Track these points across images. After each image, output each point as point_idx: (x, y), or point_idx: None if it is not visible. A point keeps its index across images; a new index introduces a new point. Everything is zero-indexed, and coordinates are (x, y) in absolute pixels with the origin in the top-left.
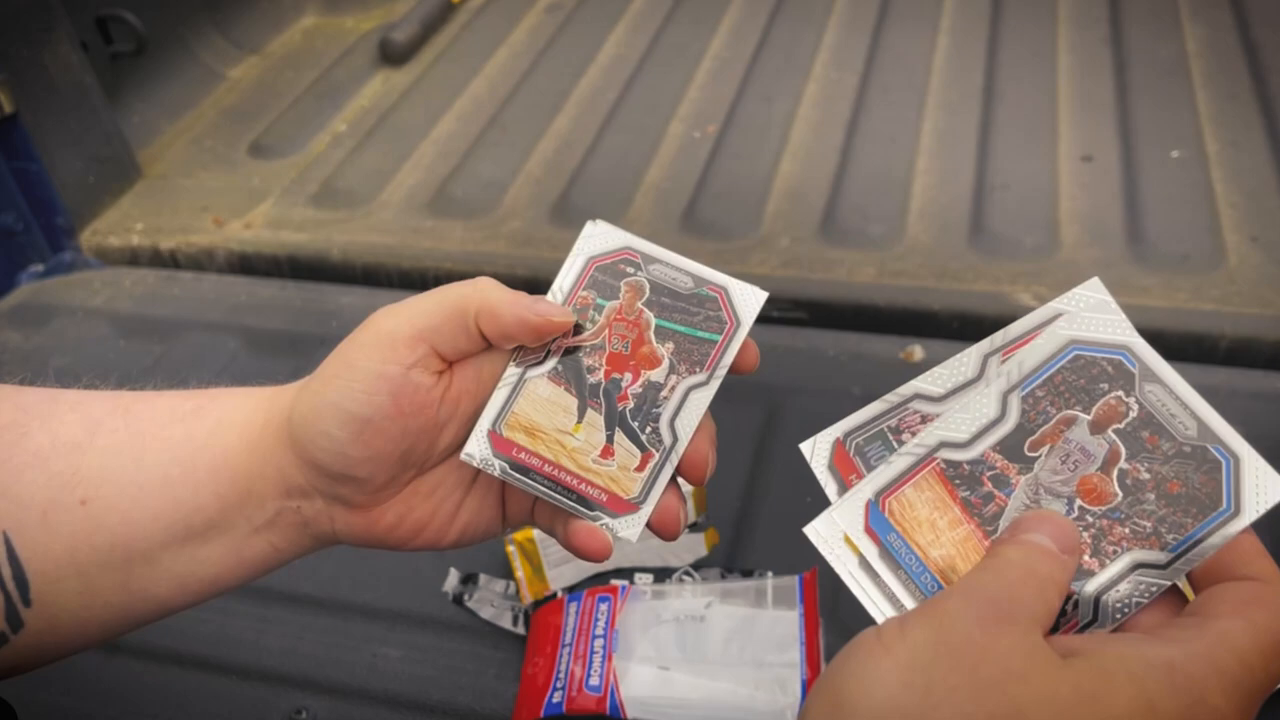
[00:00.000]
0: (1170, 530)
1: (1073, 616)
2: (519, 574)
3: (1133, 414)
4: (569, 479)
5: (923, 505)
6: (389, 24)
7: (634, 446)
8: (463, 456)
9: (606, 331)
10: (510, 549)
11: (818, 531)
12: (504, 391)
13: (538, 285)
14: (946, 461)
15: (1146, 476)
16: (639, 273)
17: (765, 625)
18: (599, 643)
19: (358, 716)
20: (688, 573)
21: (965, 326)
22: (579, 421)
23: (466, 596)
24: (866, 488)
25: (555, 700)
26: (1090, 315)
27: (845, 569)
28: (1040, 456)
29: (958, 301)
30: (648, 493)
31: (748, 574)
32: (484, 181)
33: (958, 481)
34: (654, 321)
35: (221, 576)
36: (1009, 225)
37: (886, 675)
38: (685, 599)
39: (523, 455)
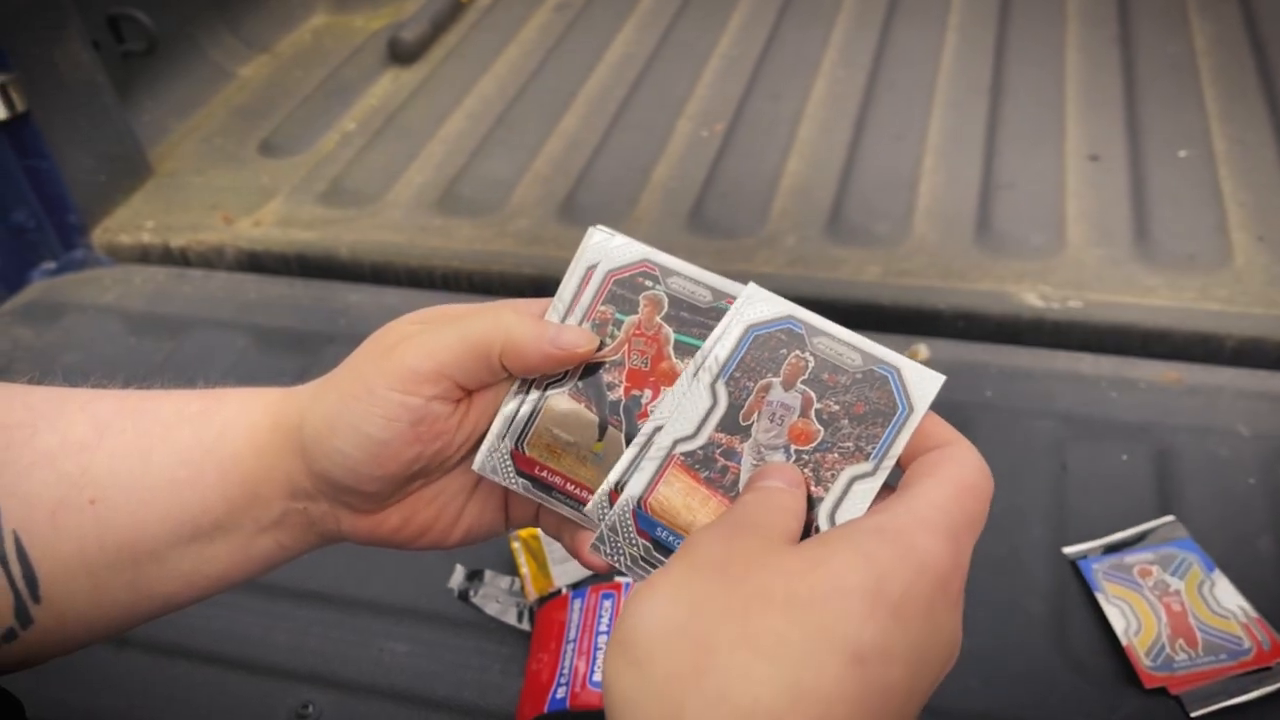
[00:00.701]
0: (868, 442)
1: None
2: (524, 570)
3: (811, 364)
4: (588, 496)
5: (675, 496)
6: (398, 23)
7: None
8: (480, 470)
9: (626, 347)
10: (515, 546)
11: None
12: (512, 405)
13: (544, 283)
14: (683, 454)
15: (837, 408)
16: (657, 286)
17: None
18: (603, 639)
19: (364, 711)
20: None
21: (971, 326)
22: (600, 439)
23: (472, 592)
24: (629, 499)
25: (559, 696)
26: (755, 304)
27: (628, 568)
28: (753, 423)
29: (963, 300)
30: None
31: None
32: (492, 180)
33: (696, 466)
34: (673, 336)
35: (228, 574)
36: (1015, 224)
37: (654, 603)
38: None
39: (544, 473)
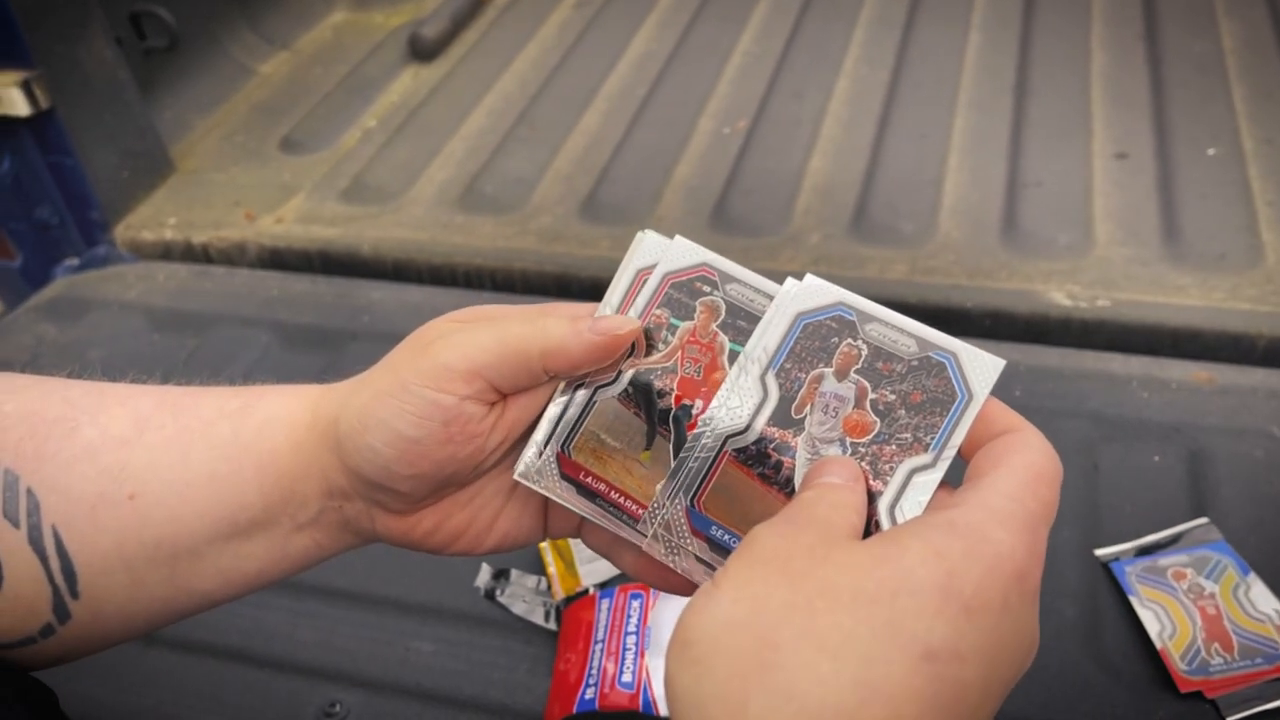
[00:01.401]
0: (926, 433)
1: (876, 533)
2: (551, 570)
3: (864, 353)
4: (633, 506)
5: (729, 492)
6: (419, 19)
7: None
8: (522, 477)
9: (679, 354)
10: (543, 545)
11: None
12: (556, 408)
13: (567, 282)
14: (735, 450)
15: (893, 397)
16: (715, 292)
17: None
18: (631, 639)
19: (391, 710)
20: None
21: (998, 325)
22: (647, 448)
23: (499, 592)
24: (681, 497)
25: (588, 696)
26: (805, 291)
27: (685, 569)
28: (806, 416)
29: (990, 300)
30: None
31: None
32: (513, 178)
33: (749, 462)
34: (728, 346)
35: (265, 571)
36: (1042, 223)
37: (717, 602)
38: None
39: (589, 479)
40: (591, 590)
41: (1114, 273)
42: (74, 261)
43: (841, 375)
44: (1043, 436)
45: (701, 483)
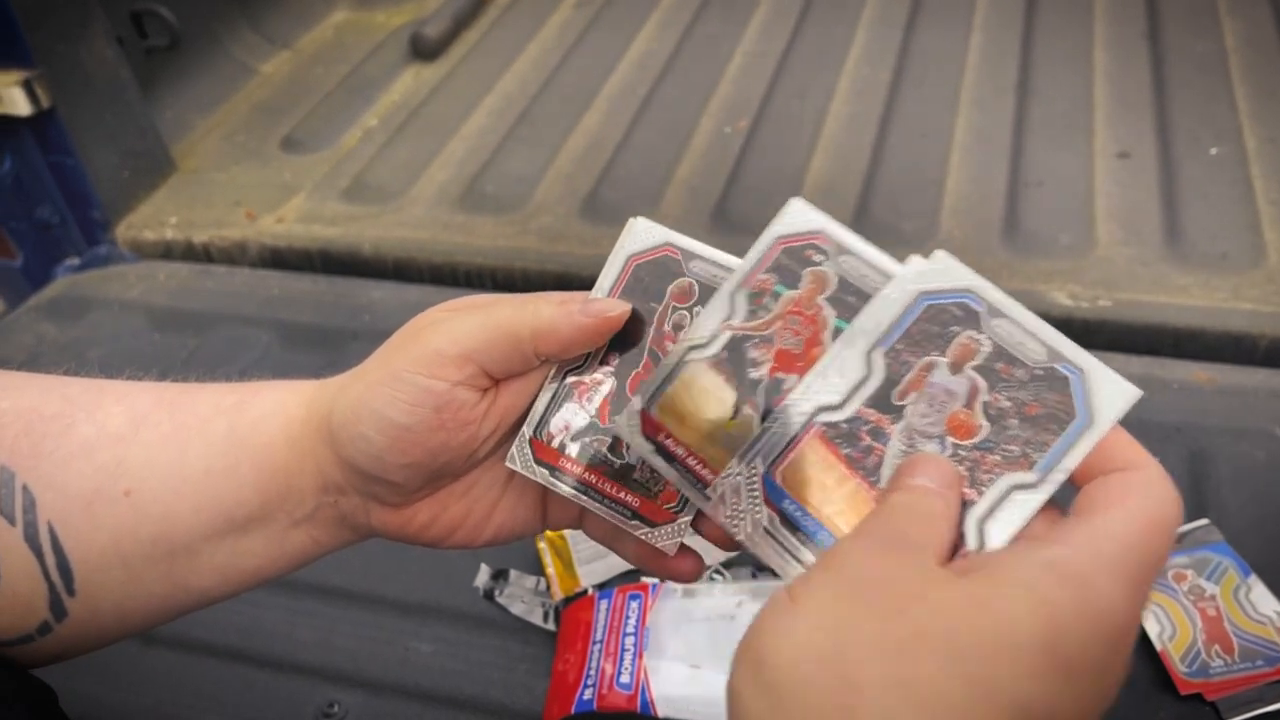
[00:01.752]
0: (1035, 450)
1: (964, 547)
2: (550, 570)
3: (985, 349)
4: (706, 472)
5: (811, 468)
6: (420, 19)
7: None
8: (507, 464)
9: (780, 323)
10: (541, 545)
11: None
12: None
13: (568, 281)
14: (825, 424)
15: (1007, 404)
16: (827, 262)
17: None
18: (630, 640)
19: (390, 710)
20: (718, 571)
21: None
22: (734, 418)
23: (497, 592)
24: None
25: (586, 697)
26: (934, 269)
27: (747, 536)
28: (909, 404)
29: None
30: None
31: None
32: (514, 177)
33: (838, 440)
34: (833, 321)
35: (263, 568)
36: (1044, 223)
37: (797, 623)
38: (716, 598)
39: (669, 441)
40: (590, 591)
41: (1116, 272)
42: (75, 261)
43: (956, 368)
44: (1167, 480)
45: (783, 452)
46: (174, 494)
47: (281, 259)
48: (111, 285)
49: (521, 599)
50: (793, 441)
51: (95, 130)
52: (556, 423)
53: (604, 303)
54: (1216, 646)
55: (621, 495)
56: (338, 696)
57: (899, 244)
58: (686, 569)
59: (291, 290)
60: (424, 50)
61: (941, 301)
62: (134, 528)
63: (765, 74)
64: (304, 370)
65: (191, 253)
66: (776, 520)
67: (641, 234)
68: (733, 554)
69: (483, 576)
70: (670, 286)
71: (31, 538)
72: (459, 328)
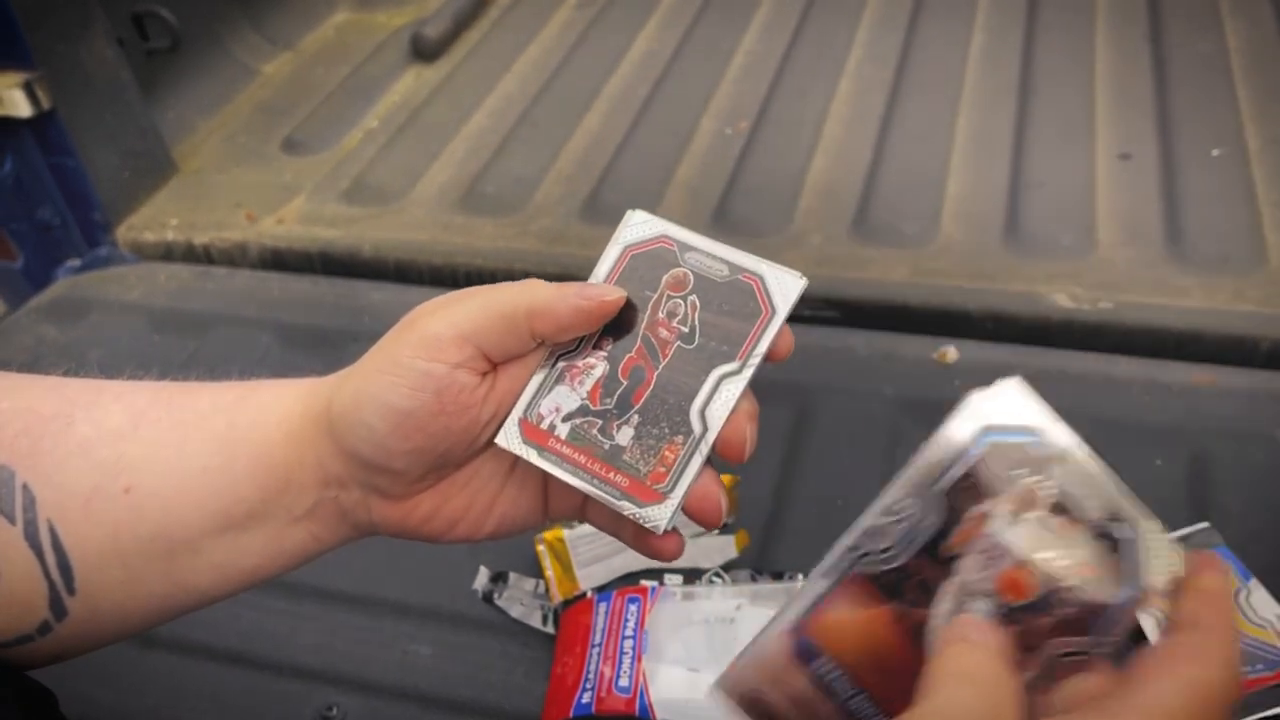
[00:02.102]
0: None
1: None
2: (549, 573)
3: (1050, 496)
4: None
5: (555, 406)
6: (421, 20)
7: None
8: (498, 442)
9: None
10: (540, 548)
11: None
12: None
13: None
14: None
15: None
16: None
17: None
18: (629, 643)
19: (389, 713)
20: (718, 574)
21: (1000, 327)
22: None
23: (496, 595)
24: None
25: (585, 700)
26: (998, 396)
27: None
28: (957, 556)
29: (992, 301)
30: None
31: (778, 576)
32: (515, 178)
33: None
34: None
35: (262, 566)
36: (1045, 224)
37: None
38: (715, 601)
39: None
40: (589, 594)
41: (1117, 274)
42: (75, 262)
43: (1018, 515)
44: (1229, 645)
45: (815, 602)
46: (173, 491)
47: (282, 260)
48: (112, 287)
49: (520, 602)
50: (830, 589)
51: (96, 131)
52: (547, 404)
53: (600, 288)
54: None
55: (610, 475)
56: (337, 699)
57: (900, 245)
58: (671, 548)
59: (292, 292)
60: (425, 51)
61: (1006, 439)
62: (133, 525)
63: (766, 75)
64: (304, 372)
65: (192, 254)
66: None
67: (638, 225)
68: (731, 556)
69: (482, 579)
70: (665, 276)
71: (32, 536)
72: (456, 312)
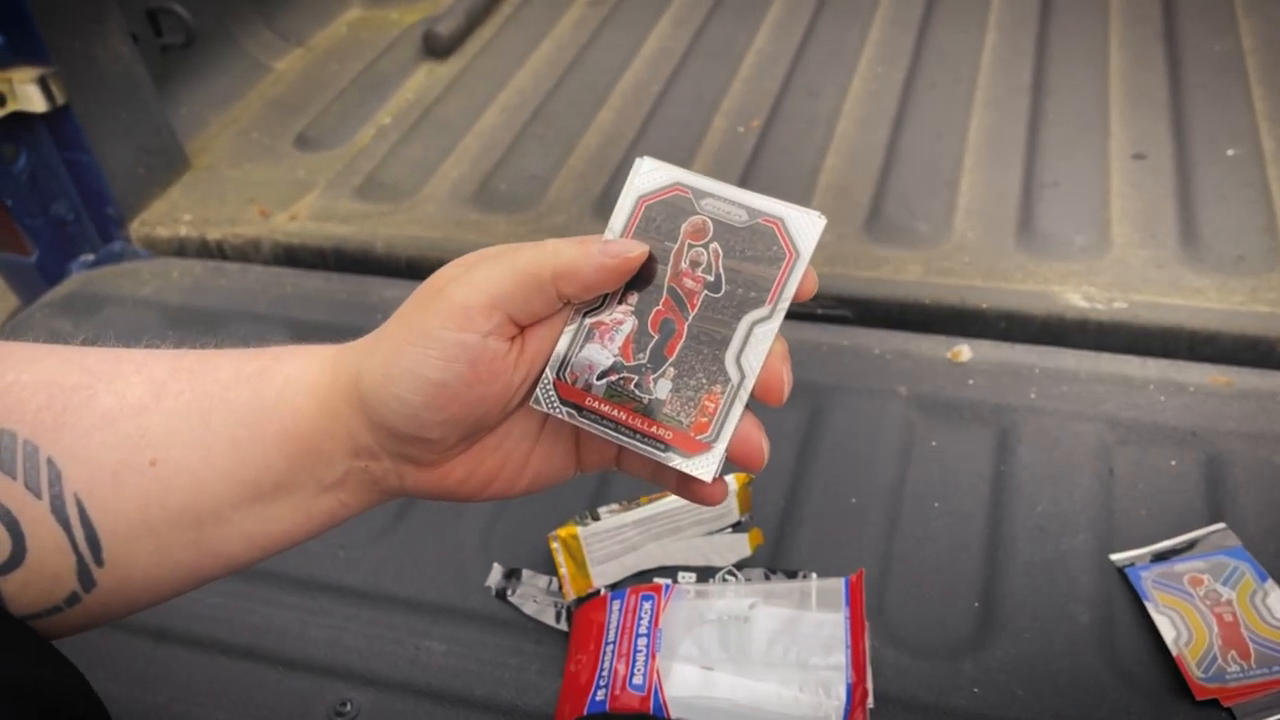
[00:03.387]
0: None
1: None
2: (562, 570)
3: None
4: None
5: (587, 364)
6: (433, 16)
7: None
8: (532, 405)
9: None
10: (554, 545)
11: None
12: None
13: None
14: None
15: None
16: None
17: (810, 627)
18: (642, 641)
19: (401, 710)
20: (731, 573)
21: (1013, 326)
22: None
23: (509, 591)
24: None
25: (598, 698)
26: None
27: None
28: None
29: (1006, 301)
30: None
31: (792, 575)
32: (528, 175)
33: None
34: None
35: (291, 533)
36: (1058, 224)
37: None
38: (729, 599)
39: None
40: (603, 591)
41: (1131, 274)
42: (89, 257)
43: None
44: None
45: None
46: (200, 463)
47: (295, 256)
48: (125, 282)
49: (534, 599)
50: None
51: (110, 127)
52: (579, 363)
53: (623, 244)
54: (1233, 652)
55: (653, 429)
56: (349, 695)
57: (913, 245)
58: (718, 493)
59: (305, 288)
60: (437, 48)
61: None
62: (161, 497)
63: (778, 73)
64: None
65: (205, 250)
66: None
67: (649, 174)
68: (745, 555)
69: (495, 576)
70: (684, 225)
71: (59, 510)
72: (482, 277)
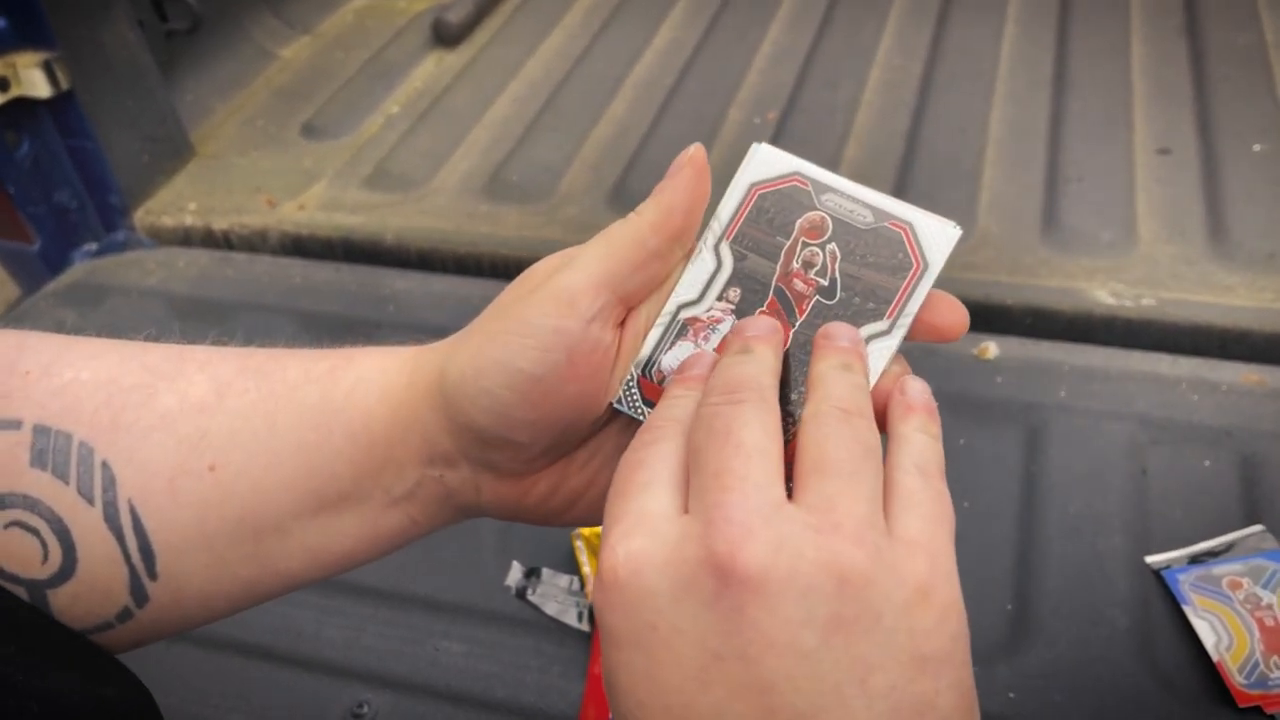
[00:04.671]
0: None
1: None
2: (585, 569)
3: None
4: None
5: (677, 364)
6: (442, 4)
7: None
8: (612, 402)
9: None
10: (576, 543)
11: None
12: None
13: None
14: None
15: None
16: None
17: None
18: None
19: (420, 712)
20: None
21: (1040, 323)
22: None
23: (530, 591)
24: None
25: None
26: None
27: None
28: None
29: (1032, 297)
30: None
31: None
32: (540, 166)
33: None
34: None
35: (355, 550)
36: (1084, 219)
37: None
38: None
39: None
40: None
41: (1159, 271)
42: (93, 246)
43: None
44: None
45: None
46: (262, 469)
47: (303, 247)
48: (130, 272)
49: (555, 598)
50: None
51: (115, 114)
52: (668, 361)
53: (683, 154)
54: (1275, 657)
55: None
56: (367, 696)
57: None
58: None
59: (314, 279)
60: (446, 36)
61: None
62: (219, 505)
63: (793, 65)
64: None
65: (211, 239)
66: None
67: (766, 161)
68: None
69: (515, 575)
70: (800, 220)
71: (111, 518)
72: (583, 259)
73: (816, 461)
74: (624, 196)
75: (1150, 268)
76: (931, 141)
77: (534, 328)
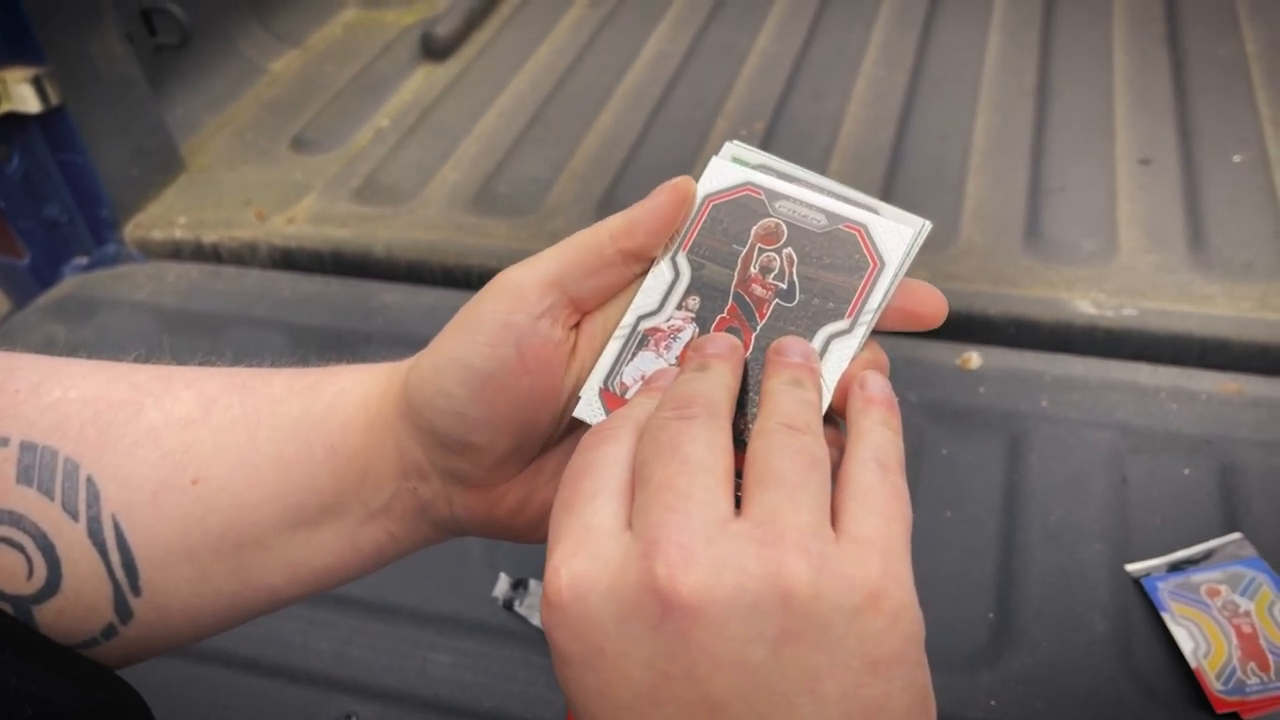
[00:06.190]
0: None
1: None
2: None
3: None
4: None
5: (639, 374)
6: (431, 18)
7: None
8: (574, 413)
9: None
10: None
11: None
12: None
13: None
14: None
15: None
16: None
17: None
18: None
19: None
20: None
21: (1022, 332)
22: None
23: (517, 602)
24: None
25: None
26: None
27: None
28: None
29: (1014, 307)
30: None
31: None
32: (528, 178)
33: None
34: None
35: (336, 567)
36: (1065, 229)
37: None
38: None
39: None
40: None
41: (1139, 280)
42: (83, 260)
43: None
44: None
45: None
46: (243, 482)
47: (292, 260)
48: (120, 285)
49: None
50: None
51: (104, 128)
52: (630, 373)
53: (667, 183)
54: (1252, 664)
55: None
56: (355, 708)
57: (920, 248)
58: None
59: (303, 292)
60: (435, 49)
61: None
62: (201, 519)
63: (780, 76)
64: None
65: (201, 253)
66: None
67: (718, 173)
68: None
69: (502, 587)
70: (754, 228)
71: (95, 533)
72: (537, 258)
73: (761, 475)
74: (612, 208)
75: (1131, 277)
76: (916, 152)
77: (484, 323)
